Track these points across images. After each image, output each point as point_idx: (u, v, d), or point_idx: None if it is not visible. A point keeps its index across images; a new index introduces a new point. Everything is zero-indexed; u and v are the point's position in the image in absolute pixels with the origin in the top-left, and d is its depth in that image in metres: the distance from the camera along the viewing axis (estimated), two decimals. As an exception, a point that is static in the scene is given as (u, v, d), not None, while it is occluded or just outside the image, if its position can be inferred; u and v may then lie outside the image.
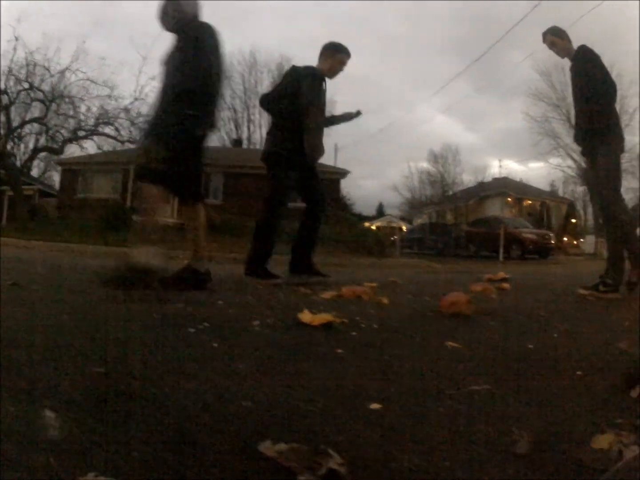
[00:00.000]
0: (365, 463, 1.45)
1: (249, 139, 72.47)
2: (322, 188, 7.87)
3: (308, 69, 7.50)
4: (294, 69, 7.54)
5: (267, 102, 7.75)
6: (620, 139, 7.08)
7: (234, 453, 1.48)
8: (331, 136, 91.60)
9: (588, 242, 56.37)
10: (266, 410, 1.86)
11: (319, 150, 7.59)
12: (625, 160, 61.20)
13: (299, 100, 7.21)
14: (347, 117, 8.11)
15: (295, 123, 7.30)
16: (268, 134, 8.17)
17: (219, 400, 1.94)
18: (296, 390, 2.10)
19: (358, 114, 8.01)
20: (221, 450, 1.49)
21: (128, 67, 71.52)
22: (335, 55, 7.66)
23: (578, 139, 7.44)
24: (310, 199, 7.73)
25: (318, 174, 7.86)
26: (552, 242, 36.19)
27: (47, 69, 33.62)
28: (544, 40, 7.20)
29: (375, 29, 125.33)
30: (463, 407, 1.99)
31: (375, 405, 1.93)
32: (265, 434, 1.57)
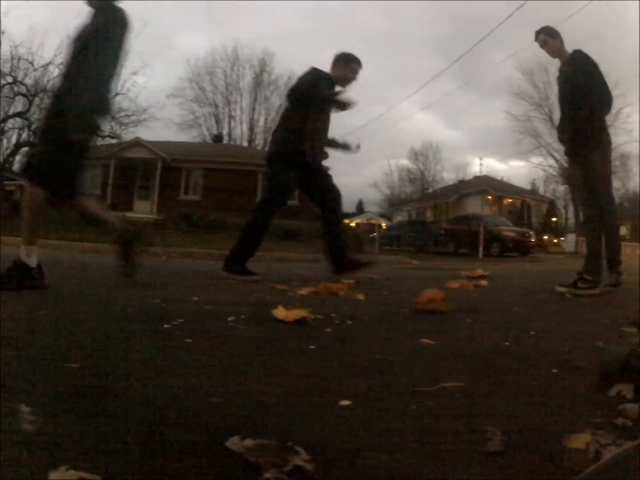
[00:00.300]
0: (332, 459, 1.45)
1: (229, 135, 72.48)
2: (332, 186, 7.87)
3: (326, 74, 7.56)
4: (314, 70, 7.52)
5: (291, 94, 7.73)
6: (610, 143, 7.07)
7: (202, 448, 1.48)
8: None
9: (569, 241, 56.69)
10: (236, 406, 1.86)
11: (319, 152, 7.60)
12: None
13: (310, 100, 7.24)
14: (347, 147, 8.12)
15: (299, 122, 7.32)
16: (272, 134, 8.35)
17: (190, 395, 1.95)
18: (266, 386, 2.10)
19: (357, 148, 8.11)
20: (189, 446, 1.49)
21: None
22: (348, 65, 7.73)
23: (564, 138, 7.28)
24: (322, 200, 7.72)
25: (326, 173, 7.84)
26: (532, 240, 36.33)
27: (31, 63, 33.49)
28: (536, 39, 7.16)
29: (357, 26, 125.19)
30: (435, 404, 1.98)
31: (345, 402, 1.92)
32: (234, 430, 1.57)
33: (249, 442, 1.46)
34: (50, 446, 1.43)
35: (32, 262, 4.92)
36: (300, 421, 1.73)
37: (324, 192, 7.69)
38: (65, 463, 1.28)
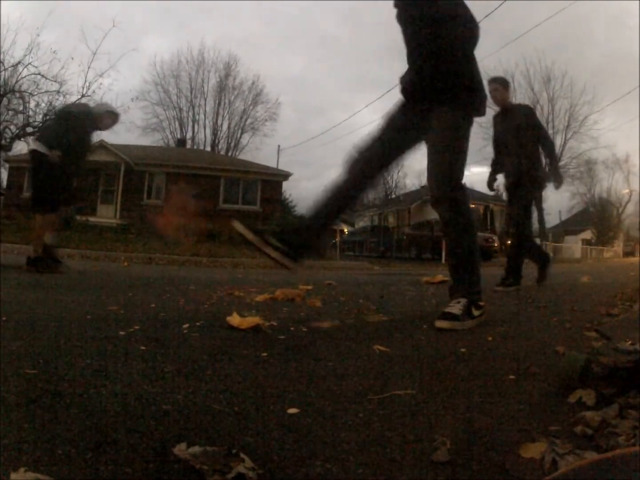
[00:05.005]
0: (276, 467, 1.47)
1: (192, 139, 72.16)
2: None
3: None
4: None
5: None
6: (478, 94, 4.55)
7: (149, 454, 1.51)
8: (274, 137, 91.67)
9: (533, 245, 57.21)
10: (185, 413, 1.88)
11: None
12: (573, 166, 61.72)
13: None
14: None
15: None
16: None
17: (141, 402, 1.97)
18: (216, 394, 2.11)
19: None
20: (137, 452, 1.52)
21: (77, 60, 69.96)
22: None
23: (407, 90, 4.67)
24: None
25: None
26: (495, 245, 36.43)
27: (2, 63, 33.09)
28: None
29: (319, 32, 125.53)
30: (385, 412, 1.98)
31: (293, 410, 1.95)
32: (182, 437, 1.62)
33: (195, 449, 1.49)
34: (11, 448, 1.47)
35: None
36: (247, 429, 1.74)
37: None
38: (24, 465, 1.34)
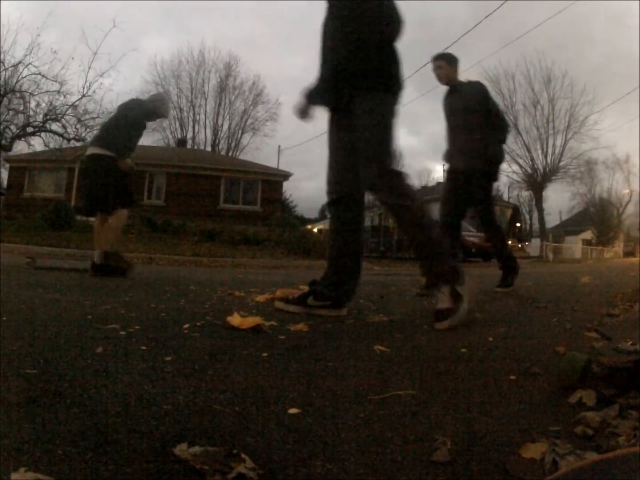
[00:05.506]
0: (277, 468, 1.47)
1: (193, 139, 72.12)
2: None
3: None
4: None
5: None
6: (399, 87, 4.48)
7: (149, 454, 1.51)
8: (274, 138, 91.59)
9: (533, 246, 57.16)
10: (186, 413, 1.87)
11: None
12: (573, 167, 61.52)
13: None
14: None
15: None
16: None
17: (141, 402, 1.96)
18: (217, 394, 2.11)
19: None
20: (138, 452, 1.52)
21: (78, 60, 69.45)
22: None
23: (327, 87, 4.65)
24: None
25: None
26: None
27: (2, 62, 32.96)
28: None
29: (319, 32, 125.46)
30: (385, 412, 1.98)
31: (293, 410, 1.94)
32: (182, 437, 1.61)
33: (196, 449, 1.49)
34: (12, 449, 1.47)
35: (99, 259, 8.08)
36: (248, 429, 1.74)
37: None
38: (24, 465, 1.34)
